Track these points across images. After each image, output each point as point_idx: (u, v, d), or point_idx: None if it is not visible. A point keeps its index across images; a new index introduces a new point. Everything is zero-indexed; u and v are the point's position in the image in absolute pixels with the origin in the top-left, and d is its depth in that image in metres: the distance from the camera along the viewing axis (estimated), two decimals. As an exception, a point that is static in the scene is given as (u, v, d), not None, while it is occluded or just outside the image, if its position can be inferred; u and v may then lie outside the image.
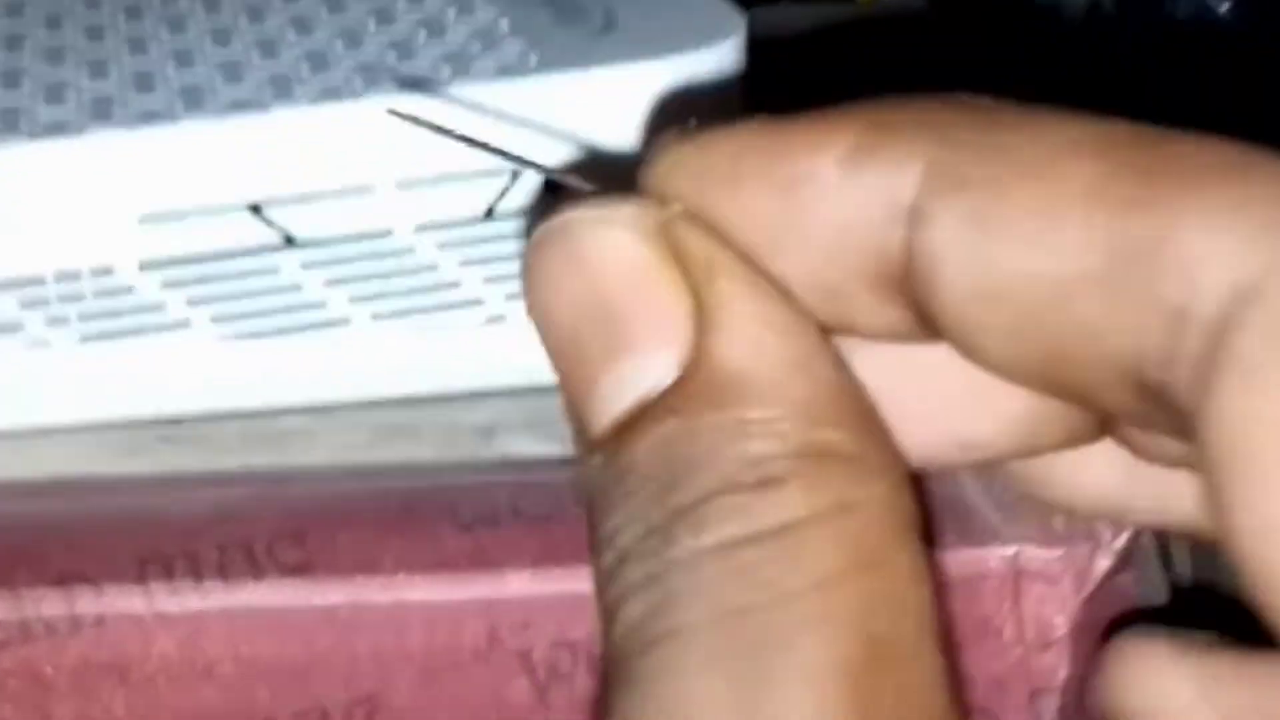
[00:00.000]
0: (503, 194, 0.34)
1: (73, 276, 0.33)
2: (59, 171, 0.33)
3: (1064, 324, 0.18)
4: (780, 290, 0.20)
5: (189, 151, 0.33)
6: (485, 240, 0.35)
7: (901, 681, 0.19)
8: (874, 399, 0.21)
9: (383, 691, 0.29)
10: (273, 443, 0.35)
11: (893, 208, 0.19)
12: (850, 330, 0.21)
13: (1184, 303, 0.17)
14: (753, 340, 0.20)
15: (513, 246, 0.35)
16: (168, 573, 0.29)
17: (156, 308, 0.34)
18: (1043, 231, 0.18)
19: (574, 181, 0.23)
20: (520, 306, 0.33)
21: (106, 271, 0.33)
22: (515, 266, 0.34)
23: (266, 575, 0.29)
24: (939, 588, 0.20)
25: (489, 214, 0.34)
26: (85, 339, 0.34)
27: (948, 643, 0.19)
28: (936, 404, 0.22)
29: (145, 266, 0.33)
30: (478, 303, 0.35)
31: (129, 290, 0.34)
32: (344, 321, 0.35)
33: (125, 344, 0.34)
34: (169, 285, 0.34)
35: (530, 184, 0.34)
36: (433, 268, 0.35)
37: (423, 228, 0.34)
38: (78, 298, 0.34)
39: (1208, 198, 0.17)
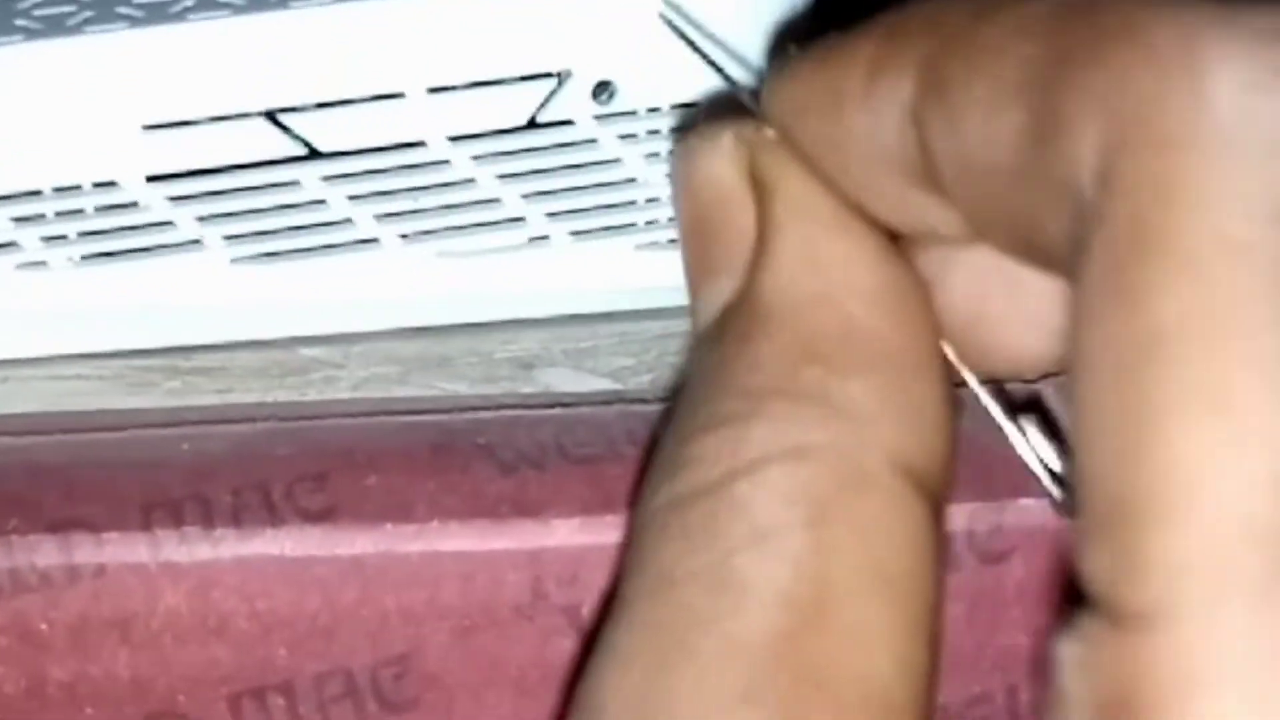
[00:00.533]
0: (546, 101, 0.32)
1: (72, 190, 0.32)
2: (57, 75, 0.31)
3: (1019, 208, 0.19)
4: (841, 208, 0.22)
5: (199, 53, 0.31)
6: (527, 152, 0.33)
7: (839, 644, 0.19)
8: (976, 307, 0.22)
9: (414, 652, 0.28)
10: (292, 376, 0.34)
11: (904, 112, 0.20)
12: (929, 234, 0.22)
13: (1069, 183, 0.18)
14: (786, 272, 0.22)
15: (556, 159, 0.33)
16: (176, 519, 0.28)
17: (164, 226, 0.32)
18: (987, 124, 0.19)
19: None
20: (564, 226, 0.31)
21: (109, 185, 0.32)
22: (559, 181, 0.33)
23: (285, 522, 0.28)
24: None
25: (531, 123, 0.33)
26: (85, 259, 0.33)
27: (928, 599, 0.20)
28: (1043, 303, 0.22)
29: (152, 180, 0.32)
30: (518, 221, 0.34)
31: (134, 206, 0.32)
32: (371, 242, 0.33)
33: (129, 266, 0.33)
34: (178, 201, 0.32)
35: (577, 90, 0.32)
36: (469, 182, 0.33)
37: (458, 138, 0.32)
38: (77, 214, 0.32)
39: (1092, 74, 0.18)
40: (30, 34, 0.31)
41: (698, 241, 0.23)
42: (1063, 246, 0.18)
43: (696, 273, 0.23)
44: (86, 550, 0.28)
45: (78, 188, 0.32)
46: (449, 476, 0.29)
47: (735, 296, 0.22)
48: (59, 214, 0.32)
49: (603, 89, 0.32)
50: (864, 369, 0.21)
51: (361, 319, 0.34)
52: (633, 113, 0.32)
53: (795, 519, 0.20)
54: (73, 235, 0.32)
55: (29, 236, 0.32)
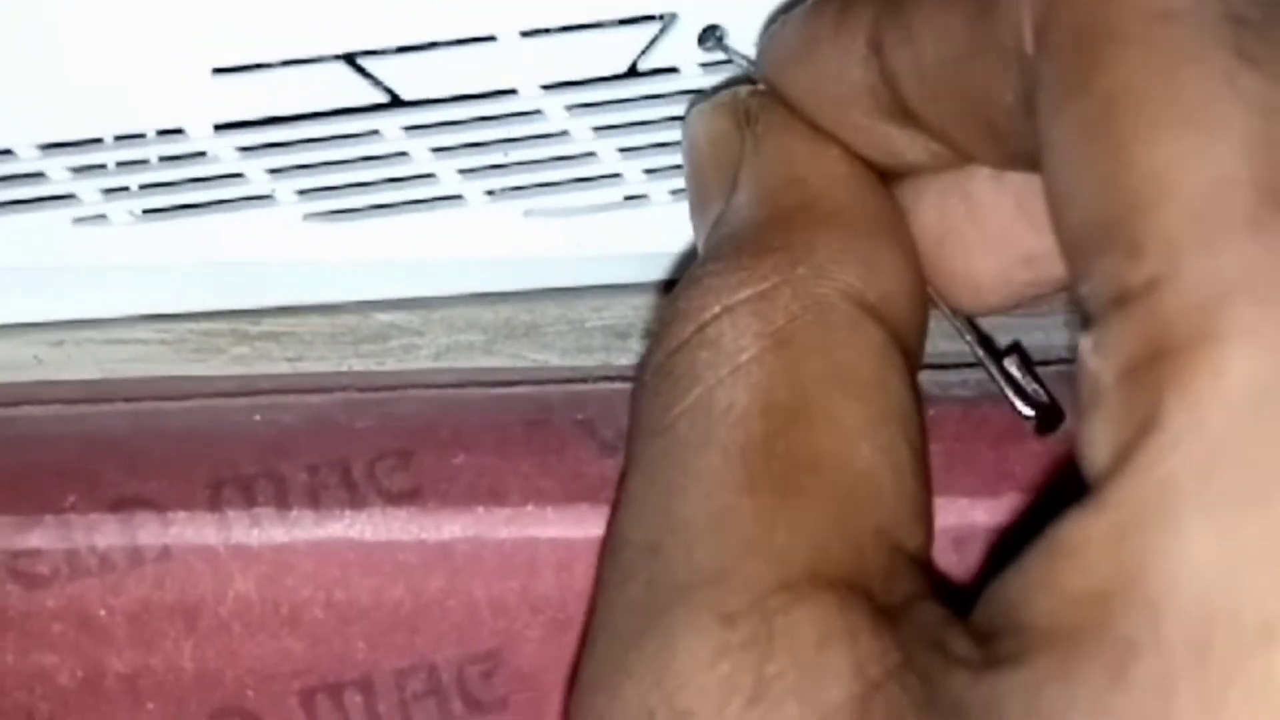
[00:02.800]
0: (648, 47, 0.30)
1: (134, 139, 0.30)
2: (120, 14, 0.29)
3: (976, 91, 0.22)
4: (817, 132, 0.25)
5: (273, -10, 0.31)
6: (626, 103, 0.31)
7: (821, 437, 0.22)
8: (941, 231, 0.25)
9: (505, 647, 0.28)
10: (368, 343, 0.33)
11: (867, 44, 0.24)
12: (907, 166, 0.25)
13: (1015, 44, 0.21)
14: (762, 170, 0.25)
15: (658, 110, 0.31)
16: (247, 498, 0.27)
17: (233, 178, 0.31)
18: (937, 22, 0.22)
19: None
20: (664, 184, 0.29)
21: (175, 134, 0.30)
22: (660, 135, 0.32)
23: (367, 503, 0.27)
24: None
25: (631, 71, 0.31)
26: (147, 214, 0.31)
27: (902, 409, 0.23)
28: (999, 226, 0.25)
29: (220, 128, 0.30)
30: (614, 178, 0.32)
31: (200, 156, 0.31)
32: (455, 199, 0.32)
33: (195, 221, 0.31)
34: (248, 151, 0.31)
35: (682, 35, 0.30)
36: (562, 135, 0.31)
37: (551, 86, 0.31)
38: (140, 164, 0.31)
39: None
40: (89, -31, 0.30)
41: (696, 181, 0.27)
42: (1018, 114, 0.21)
43: (696, 210, 0.27)
44: (150, 531, 0.27)
45: (141, 136, 0.30)
46: (545, 456, 0.28)
47: (723, 208, 0.25)
48: (120, 164, 0.31)
49: (710, 34, 0.30)
50: (823, 227, 0.24)
51: (443, 282, 0.33)
52: (742, 60, 0.30)
53: (763, 345, 0.23)
54: (134, 187, 0.31)
55: (88, 189, 0.31)
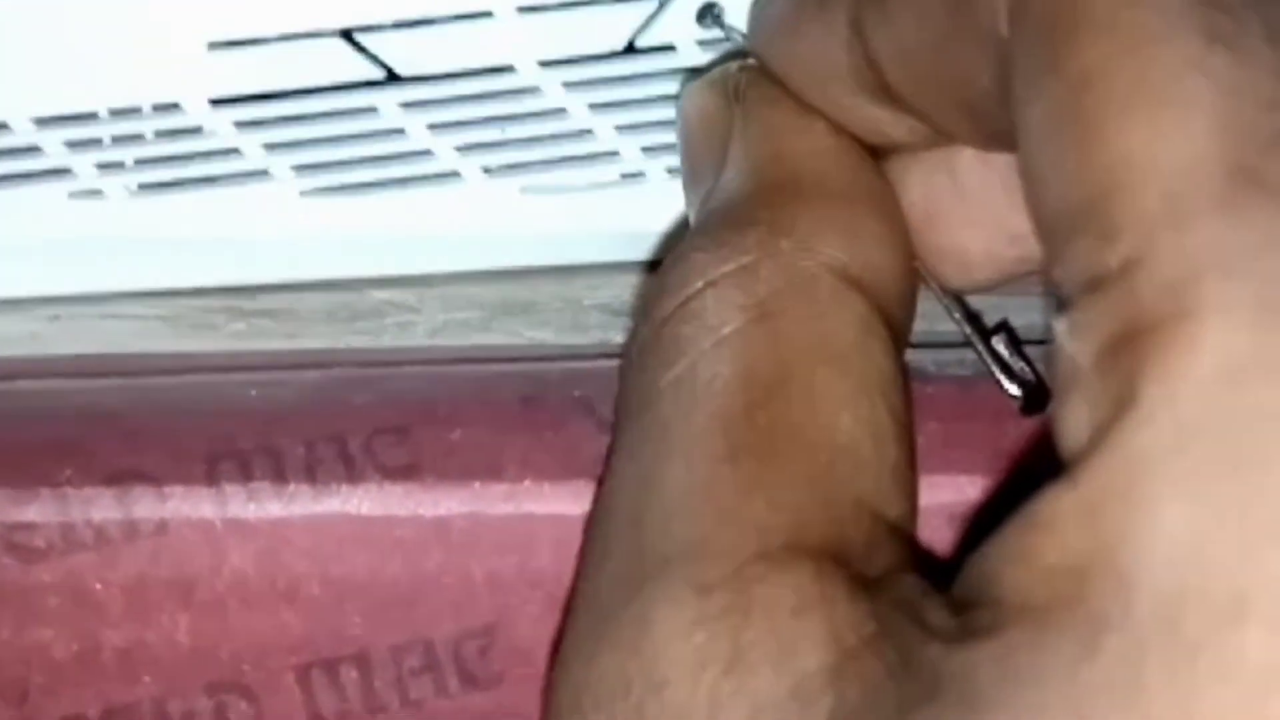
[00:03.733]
0: (646, 24, 0.30)
1: (130, 113, 0.30)
2: None
3: (954, 75, 0.22)
4: (804, 107, 0.26)
5: (270, -36, 0.30)
6: (623, 80, 0.31)
7: (802, 407, 0.22)
8: (928, 208, 0.26)
9: (501, 622, 0.27)
10: (364, 320, 0.33)
11: (849, 25, 0.24)
12: (893, 144, 0.25)
13: (990, 28, 0.21)
14: (747, 148, 0.26)
15: (655, 88, 0.31)
16: (243, 472, 0.27)
17: (229, 153, 0.31)
18: (917, 11, 0.23)
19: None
20: (660, 162, 0.29)
21: (171, 108, 0.30)
22: (658, 113, 0.32)
23: (363, 478, 0.27)
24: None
25: (629, 48, 0.31)
26: (143, 189, 0.31)
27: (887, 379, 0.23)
28: (985, 204, 0.25)
29: (217, 103, 0.30)
30: (611, 155, 0.32)
31: (197, 131, 0.31)
32: (451, 175, 0.32)
33: (190, 196, 0.31)
34: (244, 126, 0.31)
35: (680, 12, 0.30)
36: (559, 112, 0.31)
37: (549, 63, 0.31)
38: (136, 139, 0.31)
39: None
40: (87, -57, 0.30)
41: (688, 158, 0.27)
42: (995, 97, 0.21)
43: (688, 187, 0.27)
44: (146, 505, 0.27)
45: (137, 110, 0.30)
46: (542, 433, 0.27)
47: (714, 183, 0.26)
48: (116, 139, 0.31)
49: (708, 11, 0.30)
50: (807, 200, 0.24)
51: (439, 259, 0.33)
52: (740, 37, 0.30)
53: (746, 318, 0.23)
54: (130, 162, 0.31)
55: (83, 163, 0.31)
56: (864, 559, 0.21)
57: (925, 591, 0.21)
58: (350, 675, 0.27)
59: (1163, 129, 0.18)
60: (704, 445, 0.22)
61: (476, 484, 0.27)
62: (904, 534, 0.22)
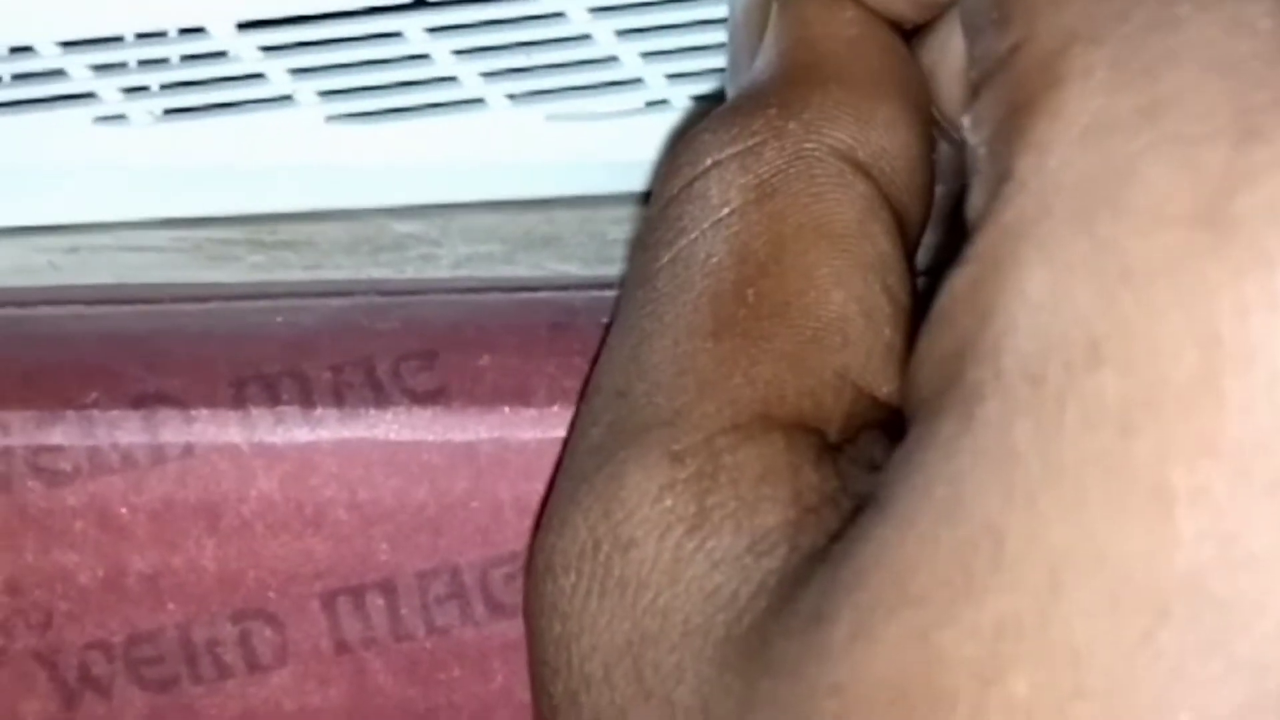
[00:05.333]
0: None
1: (156, 37, 0.30)
2: None
3: None
4: (843, 6, 0.25)
5: (297, -113, 0.30)
6: (648, 6, 0.31)
7: (793, 284, 0.22)
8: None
9: (529, 549, 0.26)
10: (386, 253, 0.32)
11: None
12: (936, 8, 0.25)
13: None
14: (779, 34, 0.25)
15: (681, 14, 0.31)
16: (270, 396, 0.27)
17: (254, 78, 0.31)
18: None
19: None
20: (685, 89, 0.29)
21: (197, 32, 0.30)
22: (683, 39, 0.31)
23: (391, 403, 0.27)
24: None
25: None
26: (168, 113, 0.31)
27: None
28: None
29: (243, 27, 0.30)
30: (636, 83, 0.32)
31: (222, 56, 0.31)
32: (477, 102, 0.32)
33: (215, 121, 0.31)
34: (270, 51, 0.31)
35: None
36: (584, 38, 0.31)
37: None
38: (161, 63, 0.31)
39: None
40: None
41: (731, 52, 0.27)
42: None
43: (730, 82, 0.27)
44: (173, 428, 0.26)
45: (162, 34, 0.30)
46: (570, 359, 0.27)
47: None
48: (141, 63, 0.30)
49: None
50: (821, 85, 0.24)
51: (463, 188, 0.33)
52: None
53: (746, 197, 0.23)
54: (155, 87, 0.31)
55: (108, 87, 0.31)
56: (842, 427, 0.22)
57: (882, 439, 0.21)
58: (376, 602, 0.27)
59: None
60: (692, 321, 0.22)
61: (505, 409, 0.27)
62: (890, 408, 0.22)
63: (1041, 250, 0.17)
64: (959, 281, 0.18)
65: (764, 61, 0.25)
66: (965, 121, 0.19)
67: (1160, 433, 0.16)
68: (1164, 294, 0.16)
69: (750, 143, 0.23)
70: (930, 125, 0.25)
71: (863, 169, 0.23)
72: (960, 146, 0.25)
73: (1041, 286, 0.17)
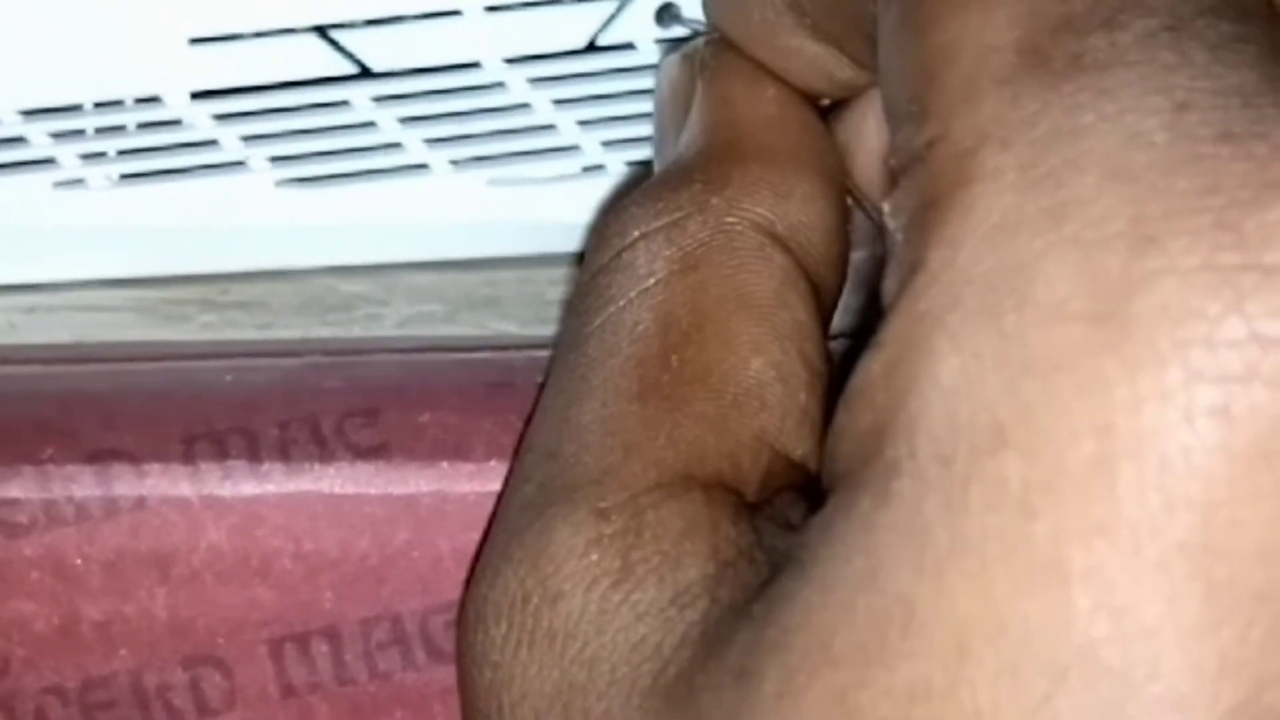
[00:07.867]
0: (606, 23, 0.31)
1: (113, 106, 0.31)
2: None
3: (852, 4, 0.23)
4: (759, 70, 0.26)
5: (247, -37, 0.31)
6: (585, 77, 0.31)
7: (714, 351, 0.23)
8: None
9: None
10: (334, 313, 0.33)
11: None
12: (847, 87, 0.26)
13: None
14: (700, 115, 0.26)
15: (615, 84, 0.32)
16: (219, 451, 0.27)
17: (208, 144, 0.31)
18: None
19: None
20: (620, 155, 0.29)
21: (152, 101, 0.31)
22: (617, 108, 0.32)
23: (335, 458, 0.27)
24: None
25: (590, 46, 0.31)
26: (125, 178, 0.32)
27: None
28: None
29: (197, 96, 0.31)
30: (574, 149, 0.33)
31: (177, 123, 0.31)
32: (421, 167, 0.32)
33: (170, 186, 0.32)
34: (223, 119, 0.31)
35: (639, 12, 0.31)
36: (524, 107, 0.32)
37: (514, 60, 0.31)
38: (118, 130, 0.31)
39: None
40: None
41: (657, 129, 0.28)
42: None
43: (657, 157, 0.28)
44: (126, 482, 0.27)
45: (119, 103, 0.31)
46: (507, 415, 0.28)
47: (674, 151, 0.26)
48: (99, 130, 0.31)
49: (666, 11, 0.31)
50: (743, 161, 0.25)
51: (408, 248, 0.33)
52: (699, 27, 0.30)
53: (671, 268, 0.24)
54: (112, 153, 0.31)
55: (68, 153, 0.31)
56: (760, 489, 0.22)
57: (799, 501, 0.22)
58: (321, 648, 0.27)
59: (971, 20, 0.19)
60: (619, 385, 0.23)
61: (444, 464, 0.27)
62: (805, 469, 0.23)
63: (953, 339, 0.18)
64: (875, 364, 0.19)
65: (689, 137, 0.26)
66: (885, 208, 0.20)
67: (1058, 514, 0.17)
68: (1064, 385, 0.17)
69: (675, 216, 0.24)
70: (845, 197, 0.26)
71: (781, 242, 0.24)
72: (874, 214, 0.26)
73: (953, 373, 0.18)
